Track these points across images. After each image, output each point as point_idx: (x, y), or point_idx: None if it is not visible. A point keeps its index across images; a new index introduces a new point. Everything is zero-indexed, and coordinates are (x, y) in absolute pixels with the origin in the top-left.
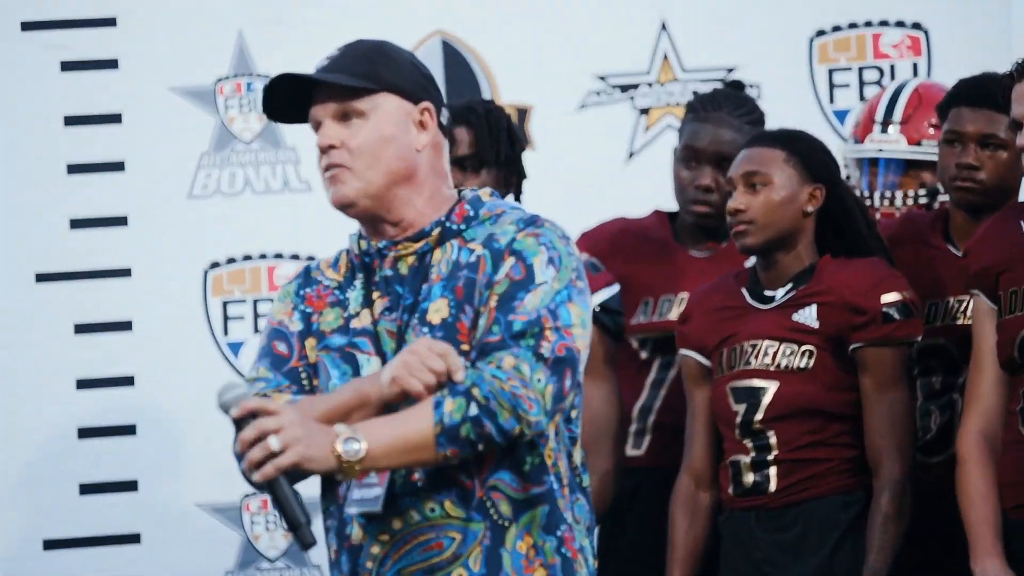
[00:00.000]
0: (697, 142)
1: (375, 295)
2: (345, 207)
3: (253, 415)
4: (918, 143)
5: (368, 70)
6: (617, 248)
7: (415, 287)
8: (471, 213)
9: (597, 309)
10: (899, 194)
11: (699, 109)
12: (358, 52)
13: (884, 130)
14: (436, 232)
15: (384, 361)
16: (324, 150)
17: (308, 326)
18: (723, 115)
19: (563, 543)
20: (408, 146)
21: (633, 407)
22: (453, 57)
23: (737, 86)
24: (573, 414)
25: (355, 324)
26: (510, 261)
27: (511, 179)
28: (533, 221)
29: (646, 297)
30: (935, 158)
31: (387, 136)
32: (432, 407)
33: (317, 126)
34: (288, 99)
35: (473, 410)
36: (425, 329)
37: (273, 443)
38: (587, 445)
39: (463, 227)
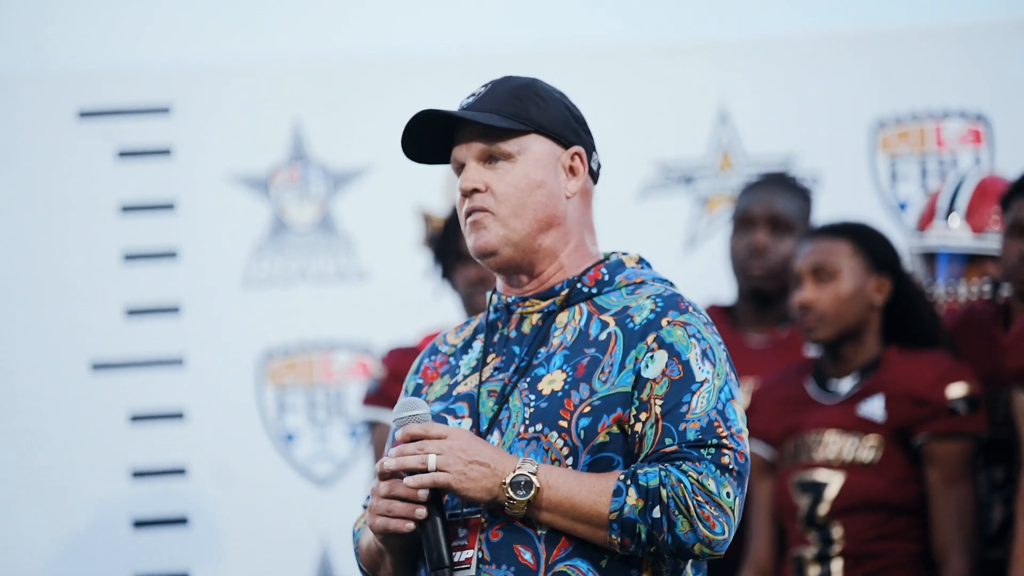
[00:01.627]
0: (749, 207)
1: (490, 356)
2: (486, 255)
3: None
4: (981, 235)
5: (517, 110)
6: None
7: (533, 348)
8: (605, 277)
9: None
10: (963, 286)
11: (747, 186)
12: (507, 89)
13: (947, 222)
14: (565, 292)
15: (476, 422)
16: (467, 194)
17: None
18: (772, 184)
19: None
20: (556, 193)
21: None
22: None
23: (781, 171)
24: None
25: (459, 390)
26: (662, 356)
27: None
28: (675, 304)
29: None
30: (998, 251)
31: (535, 181)
32: (612, 491)
33: (459, 168)
34: (428, 138)
35: (656, 512)
36: (532, 396)
37: (430, 461)
38: None
39: (594, 291)
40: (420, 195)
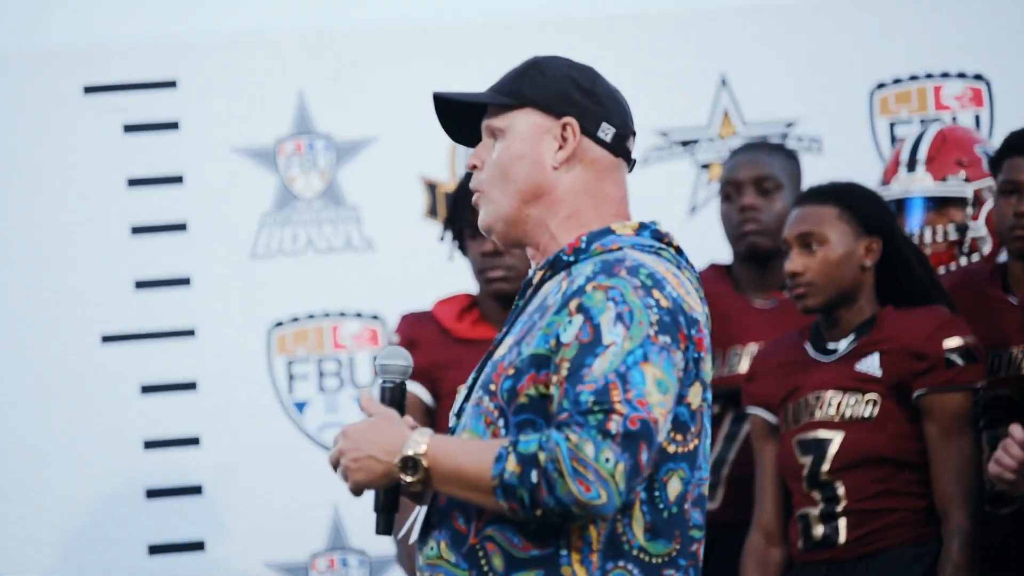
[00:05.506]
0: (734, 172)
1: (504, 330)
2: (488, 234)
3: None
4: (943, 180)
5: (512, 86)
6: None
7: (512, 319)
8: (582, 245)
9: None
10: (927, 231)
11: (732, 152)
12: (517, 68)
13: (911, 170)
14: (551, 262)
15: (468, 395)
16: (471, 170)
17: None
18: (755, 148)
19: None
20: (539, 163)
21: None
22: None
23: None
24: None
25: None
26: (578, 320)
27: None
28: (610, 269)
29: (713, 351)
30: (962, 194)
31: (516, 154)
32: (495, 458)
33: None
34: (463, 118)
35: (533, 477)
36: (487, 364)
37: (340, 474)
38: None
39: (572, 259)
40: (426, 165)
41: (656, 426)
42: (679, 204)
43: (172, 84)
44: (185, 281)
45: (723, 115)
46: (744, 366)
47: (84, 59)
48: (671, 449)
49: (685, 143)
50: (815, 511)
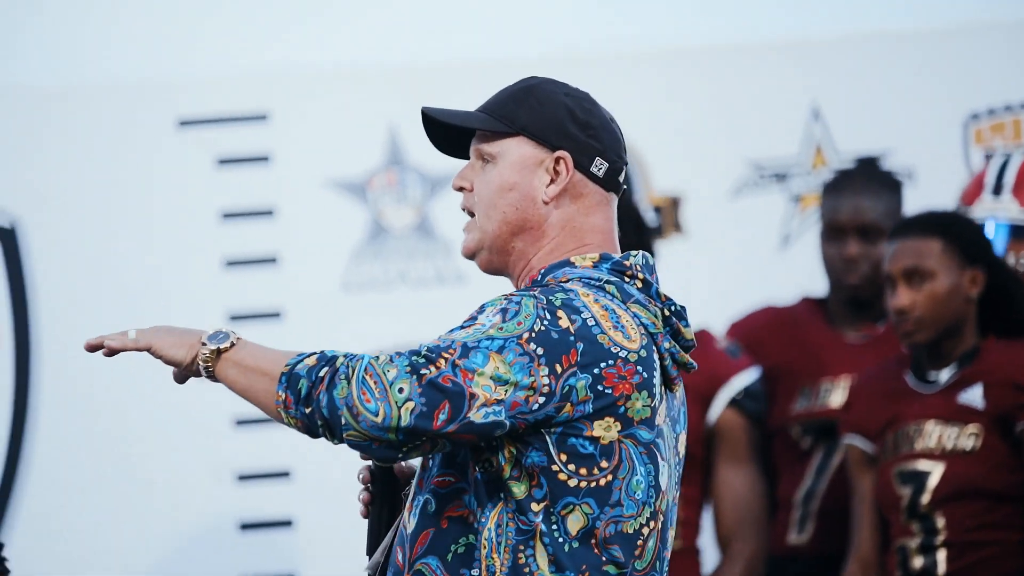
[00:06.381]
0: (837, 215)
1: None
2: (469, 259)
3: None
4: None
5: (506, 111)
6: (769, 337)
7: None
8: (539, 277)
9: (740, 396)
10: (1010, 257)
11: (834, 186)
12: (512, 90)
13: (996, 195)
14: None
15: None
16: (457, 190)
17: None
18: (858, 185)
19: None
20: (531, 197)
21: (795, 494)
22: None
23: (868, 160)
24: (534, 507)
25: None
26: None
27: None
28: (528, 289)
29: (804, 385)
30: None
31: (507, 184)
32: (296, 354)
33: None
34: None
35: (322, 372)
36: None
37: (130, 333)
38: (731, 530)
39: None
40: None
41: (469, 401)
42: (771, 236)
43: (263, 117)
44: (276, 315)
45: (815, 147)
46: (836, 399)
47: (177, 92)
48: (571, 483)
49: (777, 175)
50: (914, 543)
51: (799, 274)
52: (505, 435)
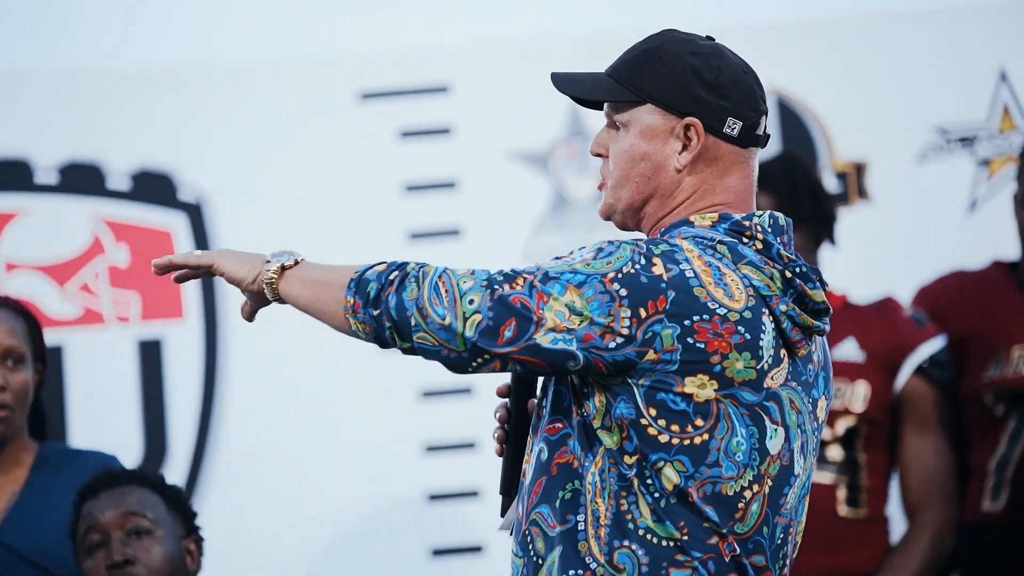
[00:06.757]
0: None
1: None
2: (607, 219)
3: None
4: None
5: (631, 77)
6: (959, 303)
7: None
8: (659, 237)
9: (926, 364)
10: None
11: None
12: (634, 52)
13: None
14: None
15: None
16: (594, 155)
17: None
18: None
19: None
20: (662, 166)
21: (988, 462)
22: (788, 116)
23: None
24: (627, 459)
25: None
26: None
27: (821, 235)
28: (647, 238)
29: (997, 351)
30: None
31: (639, 154)
32: (368, 263)
33: None
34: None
35: (391, 275)
36: None
37: (195, 252)
38: (918, 499)
39: None
40: None
41: (537, 324)
42: (958, 201)
43: (445, 90)
44: None
45: (1003, 110)
46: None
47: (360, 65)
48: (662, 439)
49: (964, 140)
50: None
51: (986, 240)
52: (592, 380)
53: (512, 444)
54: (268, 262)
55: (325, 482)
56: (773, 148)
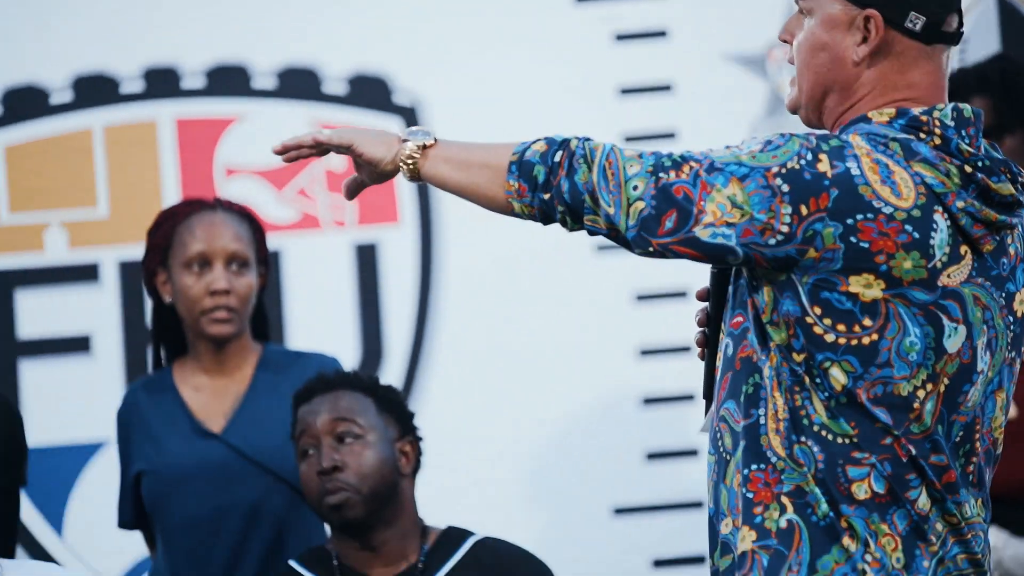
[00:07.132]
0: None
1: None
2: (793, 113)
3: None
4: None
5: None
6: None
7: None
8: (838, 133)
9: None
10: None
11: None
12: None
13: None
14: None
15: None
16: (782, 40)
17: None
18: None
19: (748, 482)
20: (840, 57)
21: None
22: (1009, 15)
23: None
24: (795, 356)
25: None
26: None
27: None
28: (820, 133)
29: None
30: None
31: (819, 43)
32: (518, 143)
33: None
34: None
35: (557, 156)
36: None
37: (330, 131)
38: None
39: None
40: None
41: (697, 216)
42: None
43: None
44: None
45: None
46: None
47: None
48: (828, 338)
49: None
50: None
51: None
52: (760, 273)
53: (712, 347)
54: (405, 141)
55: (540, 385)
56: (990, 48)
